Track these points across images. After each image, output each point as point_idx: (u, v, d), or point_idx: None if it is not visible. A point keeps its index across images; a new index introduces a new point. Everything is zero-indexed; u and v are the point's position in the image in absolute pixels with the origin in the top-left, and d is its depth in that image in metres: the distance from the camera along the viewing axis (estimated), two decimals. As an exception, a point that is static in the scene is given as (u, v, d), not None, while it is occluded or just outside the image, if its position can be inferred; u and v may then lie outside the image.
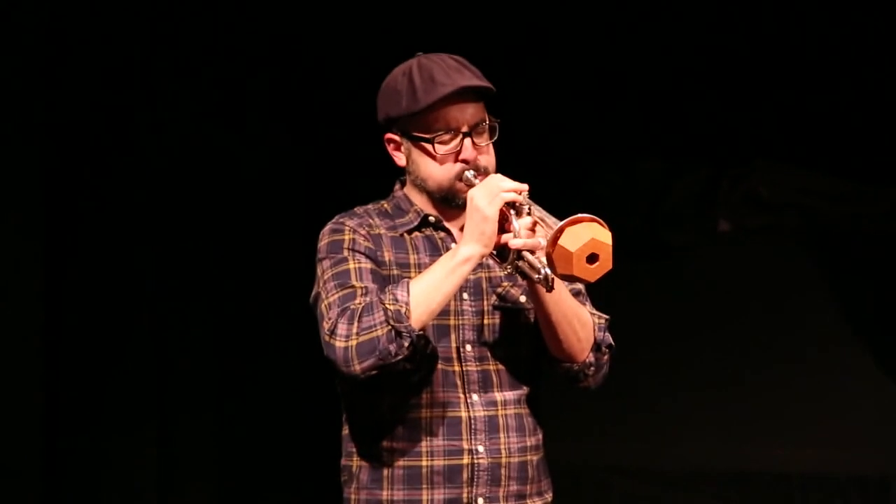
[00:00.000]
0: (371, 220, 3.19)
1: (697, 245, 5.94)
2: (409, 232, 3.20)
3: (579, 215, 2.89)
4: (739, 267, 5.86)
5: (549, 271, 2.92)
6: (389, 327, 2.97)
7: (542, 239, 2.97)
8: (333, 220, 3.20)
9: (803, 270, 5.84)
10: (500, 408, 3.16)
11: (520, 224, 2.99)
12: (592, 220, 2.89)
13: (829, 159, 5.74)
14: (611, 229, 2.89)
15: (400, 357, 2.99)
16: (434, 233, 3.20)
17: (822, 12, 5.60)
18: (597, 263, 2.88)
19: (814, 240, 5.85)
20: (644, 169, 5.96)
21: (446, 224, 3.20)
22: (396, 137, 3.20)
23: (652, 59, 5.77)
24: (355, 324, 2.99)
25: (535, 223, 3.00)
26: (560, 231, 2.87)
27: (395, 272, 3.13)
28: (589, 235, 2.87)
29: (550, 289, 2.97)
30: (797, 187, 5.83)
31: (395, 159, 3.23)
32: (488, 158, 3.15)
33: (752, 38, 5.69)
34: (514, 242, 2.99)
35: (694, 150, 5.88)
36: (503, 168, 3.16)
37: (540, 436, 3.23)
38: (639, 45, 5.76)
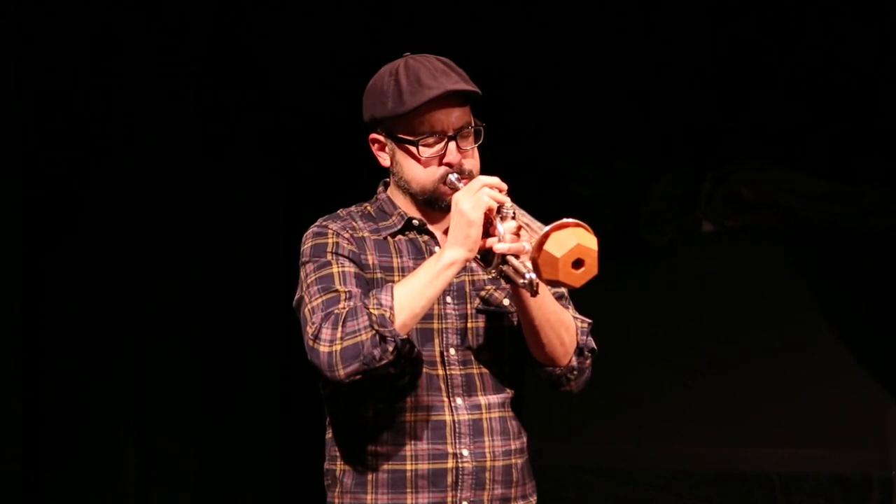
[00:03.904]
0: (354, 223, 3.18)
1: (679, 245, 5.94)
2: (393, 235, 3.19)
3: (565, 220, 2.88)
4: (720, 267, 5.86)
5: (533, 276, 2.91)
6: (374, 332, 2.96)
7: (526, 243, 2.95)
8: (316, 224, 3.19)
9: (784, 270, 5.85)
10: (484, 411, 3.15)
11: (504, 228, 2.98)
12: (578, 226, 2.88)
13: (810, 159, 5.76)
14: (592, 230, 2.89)
15: (384, 362, 2.98)
16: (418, 236, 3.19)
17: (801, 13, 5.61)
18: (582, 269, 2.88)
19: (795, 239, 5.85)
20: (625, 169, 5.97)
21: (430, 227, 3.19)
22: (381, 138, 3.19)
23: (632, 58, 5.77)
24: (339, 328, 2.98)
25: (519, 227, 2.98)
26: (546, 236, 2.86)
27: (379, 275, 3.12)
28: (574, 241, 2.86)
29: (535, 294, 2.96)
30: (778, 187, 5.84)
31: (380, 160, 3.22)
32: (473, 162, 3.14)
33: (733, 39, 5.70)
34: (498, 247, 2.98)
35: (675, 150, 5.89)
36: (486, 170, 3.15)
37: (524, 439, 3.23)
38: (620, 45, 5.75)
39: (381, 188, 3.26)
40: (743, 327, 5.79)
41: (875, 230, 5.72)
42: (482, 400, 3.15)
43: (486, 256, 3.03)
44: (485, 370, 3.16)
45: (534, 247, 2.88)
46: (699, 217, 5.91)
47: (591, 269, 2.88)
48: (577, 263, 2.87)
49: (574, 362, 3.18)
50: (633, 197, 5.95)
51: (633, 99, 5.78)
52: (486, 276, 3.16)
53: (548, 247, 2.86)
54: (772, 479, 5.83)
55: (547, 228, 2.87)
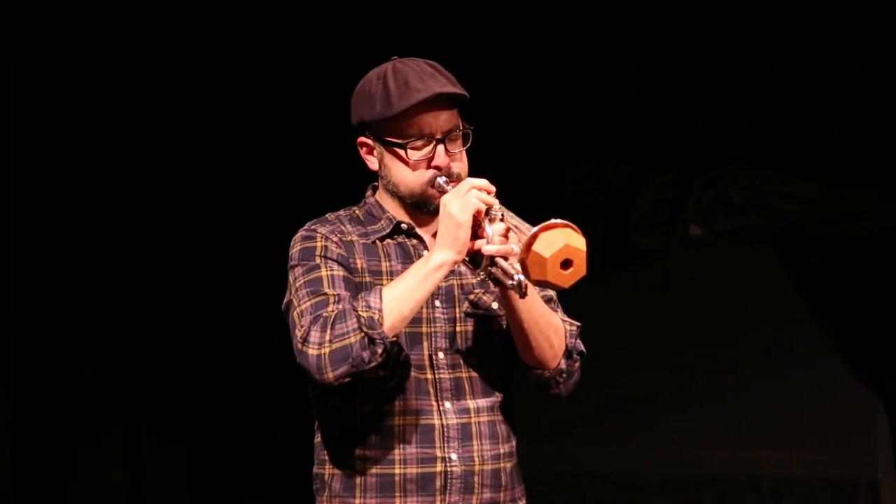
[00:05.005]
0: (343, 227, 3.19)
1: (668, 249, 5.94)
2: (382, 239, 3.19)
3: (553, 221, 2.88)
4: (710, 271, 5.85)
5: (522, 277, 2.91)
6: (362, 334, 2.96)
7: (515, 245, 2.95)
8: (305, 227, 3.19)
9: (775, 273, 5.84)
10: (473, 415, 3.15)
11: (493, 230, 2.98)
12: (566, 226, 2.88)
13: (800, 162, 5.75)
14: (582, 231, 2.89)
15: (373, 364, 2.98)
16: (406, 240, 3.19)
17: (793, 15, 5.60)
18: (571, 269, 2.88)
19: (786, 242, 5.84)
20: (615, 172, 5.96)
21: (419, 231, 3.20)
22: (369, 141, 3.19)
23: (624, 60, 5.77)
24: (328, 331, 2.98)
25: (508, 229, 2.99)
26: (534, 237, 2.87)
27: (368, 279, 3.12)
28: (563, 241, 2.86)
29: (524, 295, 2.96)
30: (768, 190, 5.83)
31: (368, 163, 3.23)
32: (461, 165, 3.15)
33: (723, 43, 5.69)
34: (487, 249, 2.98)
35: (665, 153, 5.88)
36: (476, 172, 3.14)
37: (513, 443, 3.22)
38: (610, 48, 5.75)
39: (369, 192, 3.27)
40: (733, 331, 5.78)
41: (867, 233, 5.71)
42: (471, 404, 3.15)
43: (474, 259, 3.03)
44: (474, 374, 3.16)
45: (522, 248, 2.88)
46: (687, 220, 5.90)
47: (579, 270, 2.88)
48: (566, 264, 2.87)
49: (563, 365, 3.18)
50: (625, 199, 5.95)
51: (625, 101, 5.77)
52: (474, 279, 3.16)
53: (536, 247, 2.86)
54: (761, 481, 5.83)
55: (535, 229, 2.87)
